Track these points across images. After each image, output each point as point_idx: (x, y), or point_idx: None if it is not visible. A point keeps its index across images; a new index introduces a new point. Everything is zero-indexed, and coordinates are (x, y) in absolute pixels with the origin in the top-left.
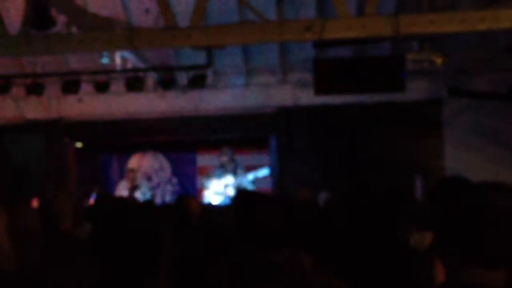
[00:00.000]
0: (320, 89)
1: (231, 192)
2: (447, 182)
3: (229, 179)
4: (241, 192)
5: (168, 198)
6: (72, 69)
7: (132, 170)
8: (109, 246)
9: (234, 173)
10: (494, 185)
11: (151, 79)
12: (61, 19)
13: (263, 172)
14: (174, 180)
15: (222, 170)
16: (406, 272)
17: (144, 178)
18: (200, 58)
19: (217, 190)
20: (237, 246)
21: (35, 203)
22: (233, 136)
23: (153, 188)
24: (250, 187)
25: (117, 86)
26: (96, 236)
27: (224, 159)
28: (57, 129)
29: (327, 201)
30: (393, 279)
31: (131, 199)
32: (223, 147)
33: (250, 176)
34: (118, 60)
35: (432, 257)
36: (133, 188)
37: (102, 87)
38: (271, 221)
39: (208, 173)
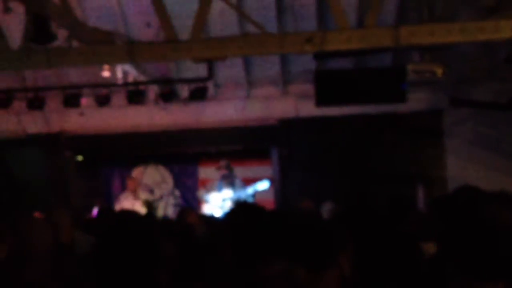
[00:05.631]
0: (321, 101)
1: (229, 205)
2: (453, 194)
3: (228, 192)
4: (238, 204)
5: (170, 210)
6: (73, 83)
7: (134, 179)
8: (111, 258)
9: (232, 185)
10: (493, 197)
11: (152, 92)
12: (61, 33)
13: (263, 184)
14: (177, 192)
15: (222, 183)
16: (410, 284)
17: (146, 191)
18: (201, 70)
19: (218, 203)
20: (232, 258)
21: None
22: (234, 148)
23: (155, 201)
24: (250, 200)
25: (118, 99)
26: (99, 249)
27: (223, 172)
28: (58, 143)
29: (333, 211)
30: None
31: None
32: (221, 160)
33: (250, 189)
34: (119, 73)
35: (434, 268)
36: (149, 204)
37: (103, 101)
38: (266, 233)
39: (207, 187)
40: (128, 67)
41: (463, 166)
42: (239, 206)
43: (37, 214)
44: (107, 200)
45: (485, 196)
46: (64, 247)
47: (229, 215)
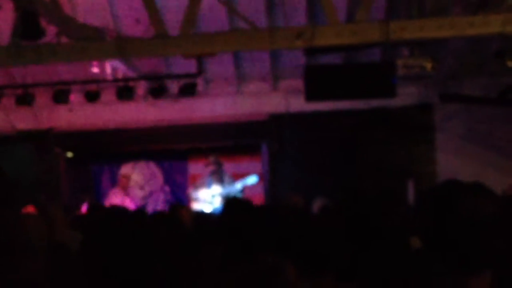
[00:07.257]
0: (311, 96)
1: (218, 201)
2: (436, 188)
3: (218, 188)
4: (229, 200)
5: (160, 206)
6: (62, 79)
7: (126, 177)
8: (101, 254)
9: (221, 181)
10: (470, 188)
11: (141, 88)
12: (50, 29)
13: (251, 179)
14: (167, 188)
15: (212, 179)
16: (400, 278)
17: (136, 187)
18: (190, 66)
19: (207, 200)
20: (222, 253)
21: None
22: (224, 143)
23: (145, 197)
24: (239, 195)
25: (108, 95)
26: (88, 245)
27: (211, 168)
28: (47, 139)
29: (324, 207)
30: (386, 285)
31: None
32: (210, 156)
33: (239, 184)
34: (108, 69)
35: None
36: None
37: (92, 97)
38: (256, 228)
39: (196, 184)
40: (117, 63)
41: (454, 161)
42: (231, 202)
43: (30, 208)
44: (96, 196)
45: (464, 189)
46: (59, 245)
47: (220, 211)
